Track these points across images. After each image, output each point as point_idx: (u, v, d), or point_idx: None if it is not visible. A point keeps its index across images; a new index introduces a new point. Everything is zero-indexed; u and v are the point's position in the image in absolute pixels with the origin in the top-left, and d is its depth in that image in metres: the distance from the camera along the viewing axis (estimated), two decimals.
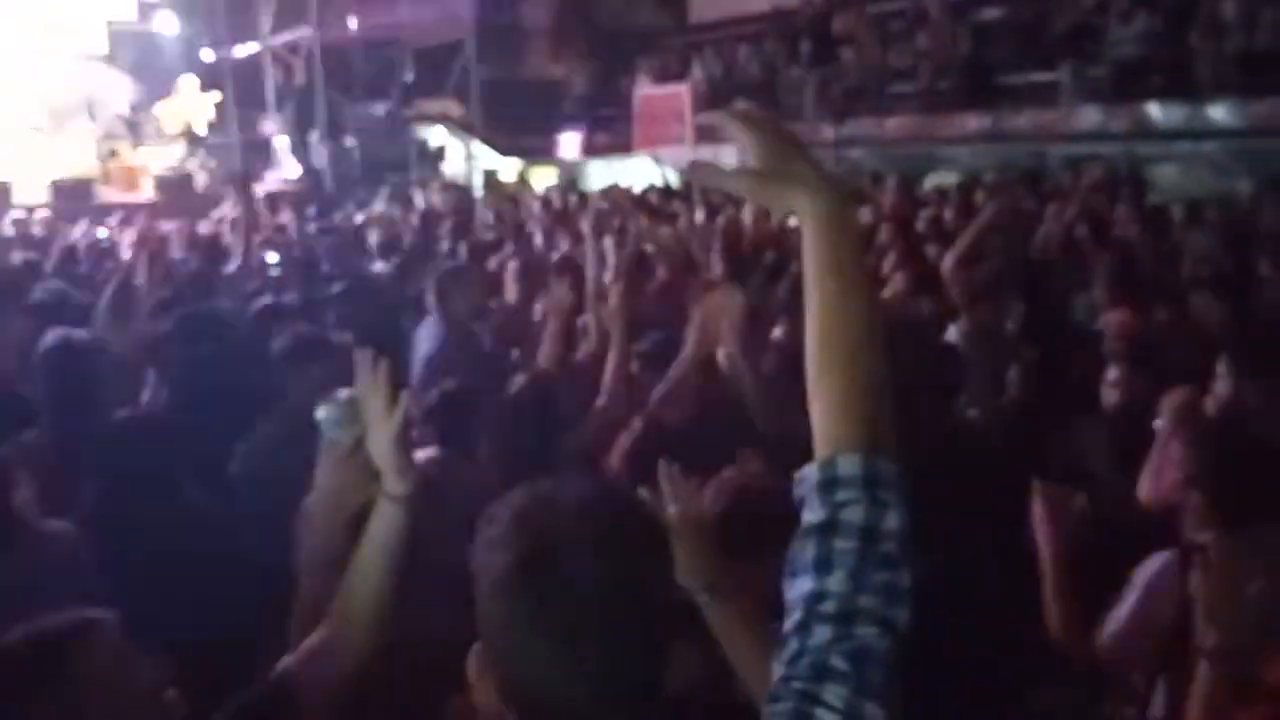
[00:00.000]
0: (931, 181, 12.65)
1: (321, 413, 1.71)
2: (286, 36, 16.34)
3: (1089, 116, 12.40)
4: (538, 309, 4.47)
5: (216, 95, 15.53)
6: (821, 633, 0.97)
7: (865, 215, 8.66)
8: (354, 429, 1.68)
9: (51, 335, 3.47)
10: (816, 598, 0.99)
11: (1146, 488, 2.44)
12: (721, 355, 3.09)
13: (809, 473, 1.05)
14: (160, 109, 15.31)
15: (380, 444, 1.65)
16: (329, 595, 1.69)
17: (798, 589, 1.01)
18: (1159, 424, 2.55)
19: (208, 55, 16.93)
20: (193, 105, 15.27)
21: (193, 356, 3.57)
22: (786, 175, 1.11)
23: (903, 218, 8.06)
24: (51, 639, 1.58)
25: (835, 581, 0.98)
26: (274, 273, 6.63)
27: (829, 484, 1.03)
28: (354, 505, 1.72)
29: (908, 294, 4.85)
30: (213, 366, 3.45)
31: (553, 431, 3.18)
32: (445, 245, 7.57)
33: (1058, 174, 11.44)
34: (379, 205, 11.93)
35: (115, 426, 2.82)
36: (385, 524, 1.66)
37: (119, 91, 15.81)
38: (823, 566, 0.99)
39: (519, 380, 3.42)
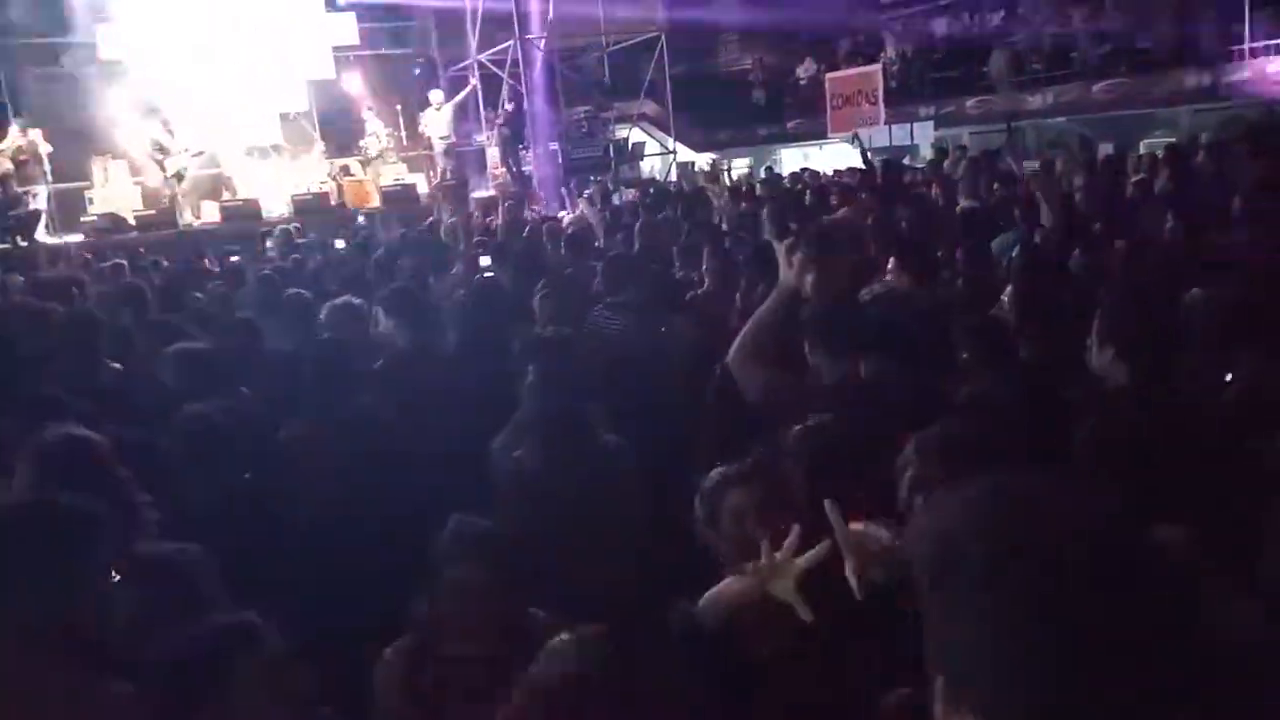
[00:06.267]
0: (1146, 146, 12.02)
1: None
2: (492, 51, 17.28)
3: None
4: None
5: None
6: None
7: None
8: None
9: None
10: None
11: None
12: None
13: None
14: (425, 122, 16.55)
15: None
16: None
17: None
18: None
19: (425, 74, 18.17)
20: (445, 117, 16.43)
21: None
22: None
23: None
24: (214, 648, 1.69)
25: None
26: (489, 274, 7.19)
27: None
28: None
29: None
30: None
31: None
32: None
33: None
34: (581, 206, 12.51)
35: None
36: None
37: (344, 111, 17.20)
38: None
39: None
